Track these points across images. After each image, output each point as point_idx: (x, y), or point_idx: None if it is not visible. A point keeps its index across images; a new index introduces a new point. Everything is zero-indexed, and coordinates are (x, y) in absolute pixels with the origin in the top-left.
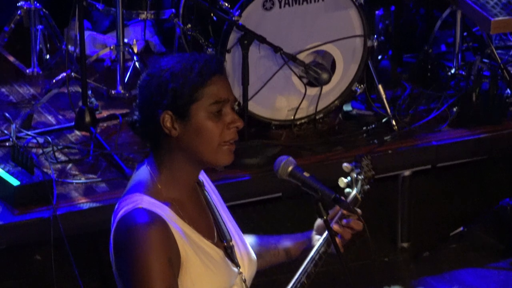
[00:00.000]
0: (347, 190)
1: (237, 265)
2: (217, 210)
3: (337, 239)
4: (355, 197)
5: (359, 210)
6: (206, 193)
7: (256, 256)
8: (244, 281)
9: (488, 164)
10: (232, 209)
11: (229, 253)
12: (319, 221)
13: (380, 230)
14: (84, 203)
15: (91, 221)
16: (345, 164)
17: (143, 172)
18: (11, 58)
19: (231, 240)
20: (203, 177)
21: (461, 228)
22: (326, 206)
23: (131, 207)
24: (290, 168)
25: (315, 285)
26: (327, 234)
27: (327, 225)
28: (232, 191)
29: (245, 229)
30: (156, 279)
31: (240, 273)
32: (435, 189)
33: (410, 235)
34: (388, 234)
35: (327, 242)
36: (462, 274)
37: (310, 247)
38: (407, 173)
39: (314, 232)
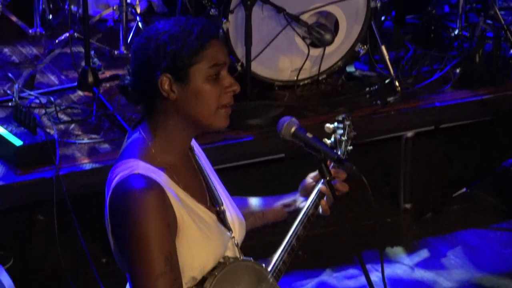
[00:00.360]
0: None
1: (229, 229)
2: (208, 175)
3: (323, 200)
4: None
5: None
6: (197, 158)
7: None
8: (237, 245)
9: (491, 125)
10: (234, 170)
11: (222, 217)
12: (304, 183)
13: (382, 191)
14: (87, 164)
15: (93, 181)
16: (327, 125)
17: (136, 138)
18: (14, 18)
19: (222, 205)
20: (192, 142)
21: (463, 189)
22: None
23: (127, 173)
24: (293, 129)
25: (320, 247)
26: (315, 196)
27: (329, 186)
28: (235, 151)
29: (247, 190)
30: (155, 245)
31: (233, 237)
32: (438, 150)
33: (412, 196)
34: (390, 196)
35: (315, 205)
36: (465, 235)
37: (295, 209)
38: (410, 134)
39: (298, 194)
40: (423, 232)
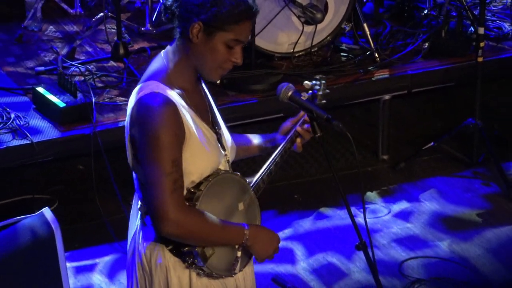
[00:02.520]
0: None
1: (224, 149)
2: (209, 99)
3: (298, 139)
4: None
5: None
6: (204, 86)
7: None
8: (228, 161)
9: (454, 90)
10: (241, 128)
11: (219, 138)
12: (283, 125)
13: (364, 145)
14: (119, 121)
15: (124, 136)
16: (306, 82)
17: (158, 62)
18: (58, 0)
19: (220, 129)
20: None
21: (432, 143)
22: (321, 124)
23: (149, 90)
24: (290, 93)
25: (313, 192)
26: (291, 134)
27: (321, 141)
28: (242, 112)
29: None
30: (166, 150)
31: (226, 155)
32: (410, 110)
33: (389, 149)
34: (371, 148)
35: (291, 141)
36: (433, 182)
37: (275, 144)
38: (387, 97)
39: (278, 133)
40: (398, 179)
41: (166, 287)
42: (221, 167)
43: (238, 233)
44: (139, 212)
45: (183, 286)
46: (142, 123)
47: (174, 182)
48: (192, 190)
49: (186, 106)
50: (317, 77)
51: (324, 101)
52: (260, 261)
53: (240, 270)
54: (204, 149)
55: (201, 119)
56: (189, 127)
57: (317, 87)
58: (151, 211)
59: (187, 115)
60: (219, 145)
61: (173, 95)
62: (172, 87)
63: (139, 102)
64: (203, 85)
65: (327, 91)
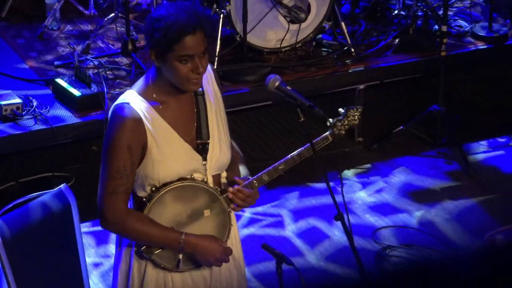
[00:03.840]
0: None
1: (204, 158)
2: (206, 113)
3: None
4: (326, 136)
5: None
6: (201, 102)
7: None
8: (205, 170)
9: (420, 80)
10: (236, 113)
11: (200, 148)
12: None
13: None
14: None
15: None
16: (340, 109)
17: (144, 76)
18: (74, 2)
19: (207, 139)
20: (209, 88)
21: (401, 127)
22: (304, 111)
23: (122, 100)
24: (277, 83)
25: (297, 170)
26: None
27: (304, 125)
28: (235, 100)
29: (246, 128)
30: (115, 156)
31: (204, 164)
32: (382, 98)
33: (364, 132)
34: (347, 132)
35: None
36: (402, 160)
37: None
38: (361, 87)
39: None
40: (372, 158)
41: (127, 273)
42: (197, 175)
43: (173, 240)
44: None
45: (140, 273)
46: (108, 128)
47: (116, 186)
48: (151, 193)
49: (159, 118)
50: (354, 107)
51: (343, 132)
52: (206, 266)
53: (186, 269)
54: (166, 158)
55: (175, 131)
56: (153, 139)
57: (341, 117)
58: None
59: (156, 127)
60: (197, 154)
61: (144, 107)
62: (148, 99)
63: (112, 109)
64: (205, 98)
65: (355, 122)
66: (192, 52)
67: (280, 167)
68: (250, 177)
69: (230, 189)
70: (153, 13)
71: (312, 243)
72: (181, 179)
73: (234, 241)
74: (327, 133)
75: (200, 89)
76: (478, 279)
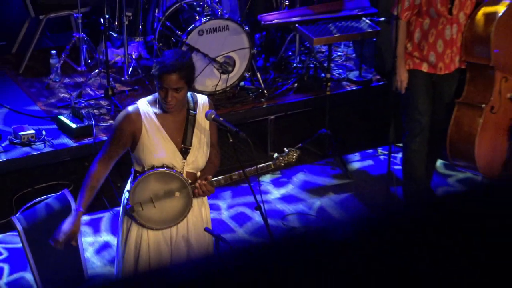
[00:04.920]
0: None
1: (184, 158)
2: (193, 129)
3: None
4: (269, 164)
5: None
6: (191, 120)
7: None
8: (183, 164)
9: (313, 112)
10: None
11: (183, 150)
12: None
13: (259, 147)
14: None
15: None
16: (284, 149)
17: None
18: (70, 61)
19: (189, 146)
20: (201, 113)
21: (300, 144)
22: (232, 134)
23: (133, 103)
24: (213, 116)
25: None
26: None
27: (233, 145)
28: None
29: None
30: (113, 133)
31: (183, 162)
32: (286, 125)
33: (274, 147)
34: (263, 148)
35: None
36: (301, 167)
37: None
38: (272, 117)
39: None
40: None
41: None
42: (178, 168)
43: (78, 203)
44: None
45: (128, 228)
46: (117, 116)
47: (105, 149)
48: (141, 171)
49: (155, 119)
50: (292, 150)
51: (282, 164)
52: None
53: (155, 228)
54: (154, 148)
55: (166, 132)
56: (146, 131)
57: (284, 154)
58: None
59: (151, 124)
60: (179, 153)
61: (146, 109)
62: (152, 106)
63: (127, 106)
64: (197, 116)
65: (293, 160)
66: (166, 86)
67: (234, 176)
68: (213, 178)
69: (198, 181)
70: (156, 59)
71: (240, 223)
72: (165, 166)
73: (200, 217)
74: (271, 162)
75: (193, 112)
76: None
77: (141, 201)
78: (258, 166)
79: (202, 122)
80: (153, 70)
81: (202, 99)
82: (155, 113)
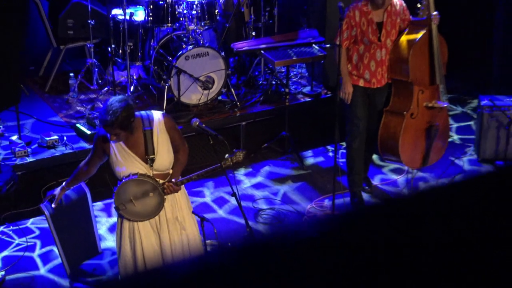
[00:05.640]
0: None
1: (151, 165)
2: (152, 141)
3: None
4: (220, 164)
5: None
6: (148, 134)
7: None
8: (151, 169)
9: (277, 118)
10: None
11: (147, 158)
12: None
13: (232, 147)
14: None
15: None
16: (234, 150)
17: None
18: (85, 81)
19: (152, 154)
20: (158, 128)
21: (266, 144)
22: (212, 138)
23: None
24: (197, 123)
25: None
26: (209, 168)
27: (213, 145)
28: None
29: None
30: (92, 148)
31: (151, 167)
32: (255, 129)
33: (244, 147)
34: (237, 147)
35: (206, 172)
36: (267, 162)
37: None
38: (244, 123)
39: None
40: (251, 161)
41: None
42: (146, 172)
43: (66, 181)
44: None
45: (120, 223)
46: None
47: (88, 157)
48: (121, 179)
49: (120, 142)
50: (236, 151)
51: (231, 163)
52: None
53: (138, 220)
54: (119, 163)
55: (129, 150)
56: (114, 150)
57: (232, 155)
58: None
59: (117, 145)
60: (143, 162)
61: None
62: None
63: (98, 131)
64: (153, 133)
65: (239, 160)
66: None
67: (193, 177)
68: (180, 178)
69: (166, 183)
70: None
71: (220, 205)
72: (138, 174)
73: (180, 211)
74: (222, 163)
75: (149, 128)
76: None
77: (123, 202)
78: (208, 168)
79: (160, 134)
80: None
81: (158, 117)
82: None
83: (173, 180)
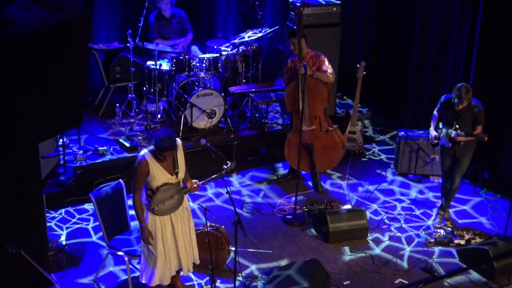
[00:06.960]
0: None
1: (176, 176)
2: (177, 160)
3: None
4: (222, 171)
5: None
6: (175, 156)
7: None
8: (177, 180)
9: (258, 140)
10: (188, 154)
11: (176, 172)
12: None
13: (228, 158)
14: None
15: None
16: (228, 161)
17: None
18: (126, 110)
19: (177, 169)
20: (179, 150)
21: (250, 157)
22: (214, 153)
23: (141, 152)
24: (204, 142)
25: (207, 174)
26: (213, 177)
27: (215, 158)
28: (189, 148)
29: (193, 159)
30: (135, 175)
31: (176, 178)
32: (243, 147)
33: (235, 159)
34: (228, 159)
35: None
36: (251, 170)
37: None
38: (235, 143)
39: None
40: (239, 170)
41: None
42: (173, 181)
43: (140, 221)
44: None
45: (149, 217)
46: (135, 163)
47: (135, 185)
48: (155, 189)
49: (155, 162)
50: (229, 162)
51: (225, 173)
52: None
53: (163, 214)
54: (156, 178)
55: (162, 167)
56: (152, 169)
57: (228, 165)
58: None
59: (153, 165)
60: (172, 176)
61: (149, 156)
62: (153, 154)
63: (138, 155)
64: (176, 154)
65: (232, 170)
66: (165, 155)
67: (208, 180)
68: (200, 181)
69: (194, 185)
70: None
71: (217, 197)
72: (169, 183)
73: (186, 210)
74: (222, 171)
75: (175, 151)
76: None
77: (157, 204)
78: (214, 176)
79: (179, 155)
80: (155, 144)
81: (179, 142)
82: (154, 157)
83: (198, 182)
